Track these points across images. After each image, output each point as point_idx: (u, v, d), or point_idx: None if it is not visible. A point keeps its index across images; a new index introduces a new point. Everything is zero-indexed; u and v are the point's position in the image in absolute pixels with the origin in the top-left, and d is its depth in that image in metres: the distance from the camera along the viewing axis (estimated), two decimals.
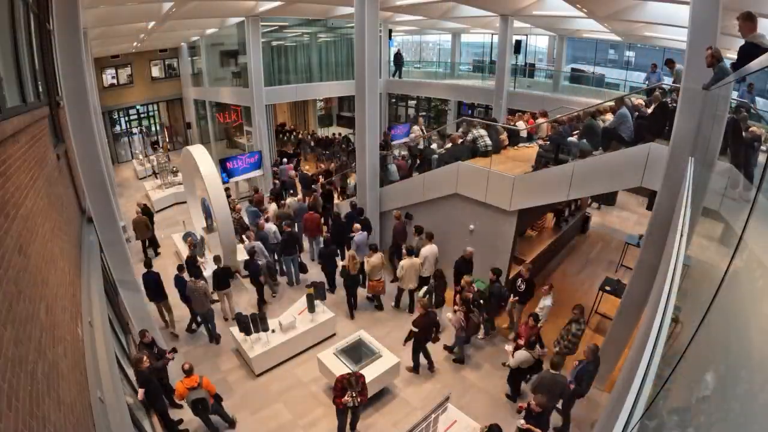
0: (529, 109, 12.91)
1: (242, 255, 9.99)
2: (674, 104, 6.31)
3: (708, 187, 4.19)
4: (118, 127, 21.49)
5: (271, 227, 9.67)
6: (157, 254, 11.26)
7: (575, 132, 8.32)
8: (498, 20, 14.16)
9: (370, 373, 6.19)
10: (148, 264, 7.70)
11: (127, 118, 21.77)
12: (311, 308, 7.57)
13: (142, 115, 22.29)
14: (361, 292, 8.90)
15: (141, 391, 5.18)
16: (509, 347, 6.49)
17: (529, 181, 7.37)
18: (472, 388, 6.75)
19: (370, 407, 6.34)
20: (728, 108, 3.98)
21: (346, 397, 5.25)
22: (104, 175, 5.74)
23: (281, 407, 6.39)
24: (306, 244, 10.84)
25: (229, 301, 8.36)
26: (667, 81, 9.46)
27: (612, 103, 8.17)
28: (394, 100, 22.10)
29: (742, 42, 3.69)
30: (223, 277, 8.03)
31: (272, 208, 11.20)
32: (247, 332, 6.79)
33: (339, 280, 8.85)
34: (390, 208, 10.28)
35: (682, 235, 3.10)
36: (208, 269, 9.39)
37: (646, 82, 12.14)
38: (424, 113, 22.47)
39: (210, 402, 5.57)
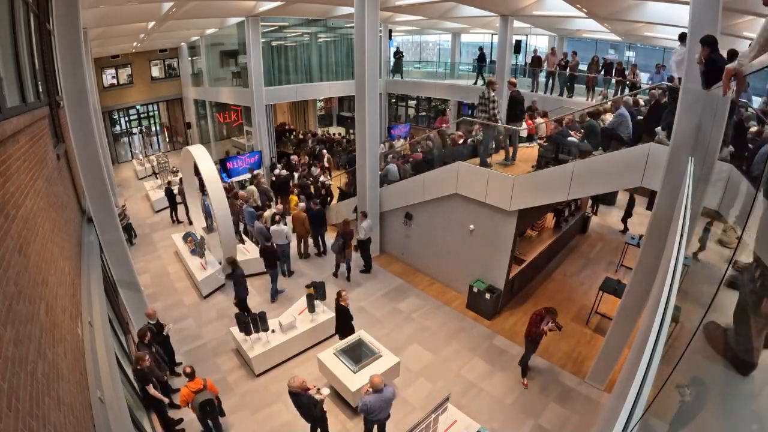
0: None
1: (242, 255, 10.00)
2: (668, 102, 6.32)
3: (707, 187, 4.19)
4: (118, 127, 21.50)
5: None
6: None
7: (573, 131, 8.31)
8: (498, 20, 14.16)
9: (370, 373, 6.17)
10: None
11: (127, 118, 21.78)
12: (311, 308, 7.57)
13: (142, 115, 22.30)
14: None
15: (150, 387, 5.22)
16: None
17: (529, 182, 7.37)
18: (473, 388, 6.75)
19: None
20: (728, 108, 3.99)
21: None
22: (104, 175, 5.75)
23: (281, 407, 6.38)
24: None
25: None
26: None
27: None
28: (394, 100, 22.11)
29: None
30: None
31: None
32: (247, 332, 6.79)
33: None
34: (390, 208, 10.28)
35: (682, 235, 3.10)
36: (209, 268, 9.42)
37: (649, 82, 12.15)
38: (424, 113, 22.48)
39: (216, 403, 5.49)
